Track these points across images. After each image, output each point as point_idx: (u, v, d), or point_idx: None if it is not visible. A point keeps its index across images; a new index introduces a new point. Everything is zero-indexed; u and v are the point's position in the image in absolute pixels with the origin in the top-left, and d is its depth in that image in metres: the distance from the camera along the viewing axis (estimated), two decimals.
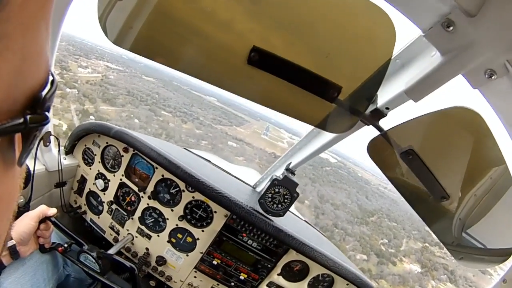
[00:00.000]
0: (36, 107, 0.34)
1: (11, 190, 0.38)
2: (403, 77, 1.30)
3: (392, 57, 1.34)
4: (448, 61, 1.08)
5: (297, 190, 1.87)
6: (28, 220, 1.55)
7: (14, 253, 1.50)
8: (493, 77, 1.05)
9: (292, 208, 3.10)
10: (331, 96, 1.33)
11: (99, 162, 2.09)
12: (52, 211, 1.66)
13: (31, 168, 1.83)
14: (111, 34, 1.27)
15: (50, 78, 0.37)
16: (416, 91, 1.21)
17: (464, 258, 1.74)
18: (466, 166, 1.45)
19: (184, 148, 2.62)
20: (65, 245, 1.78)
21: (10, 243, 1.48)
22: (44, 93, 0.36)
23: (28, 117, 0.32)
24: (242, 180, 2.51)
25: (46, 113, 0.36)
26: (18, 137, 0.34)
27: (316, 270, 2.07)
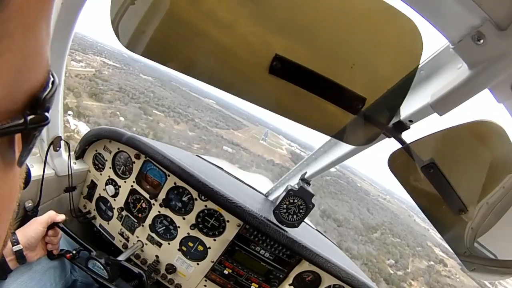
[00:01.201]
0: (36, 107, 0.34)
1: (11, 190, 0.38)
2: (427, 89, 1.29)
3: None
4: (476, 75, 1.07)
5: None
6: (36, 225, 1.55)
7: (21, 257, 1.49)
8: None
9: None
10: (355, 108, 1.31)
11: (110, 168, 2.07)
12: (61, 217, 1.66)
13: (40, 173, 1.82)
14: (123, 38, 1.25)
15: (51, 78, 0.37)
16: (442, 105, 1.19)
17: (476, 269, 1.72)
18: (484, 178, 1.45)
19: (196, 155, 2.60)
20: (74, 252, 1.76)
21: (17, 248, 1.46)
22: (44, 93, 0.36)
23: (28, 117, 0.32)
24: (255, 188, 2.49)
25: (46, 113, 0.36)
26: (18, 137, 0.35)
27: (328, 281, 2.04)
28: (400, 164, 1.48)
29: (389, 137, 1.44)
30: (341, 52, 1.26)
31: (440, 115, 1.24)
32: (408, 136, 1.42)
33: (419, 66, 1.33)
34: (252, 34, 1.25)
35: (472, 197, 1.49)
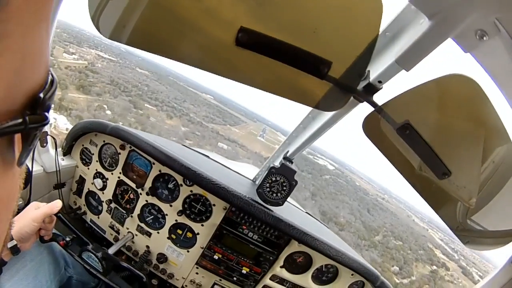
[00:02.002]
0: (35, 107, 0.34)
1: (11, 191, 0.38)
2: (394, 49, 1.28)
3: (381, 31, 1.33)
4: (436, 25, 1.06)
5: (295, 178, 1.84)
6: (31, 221, 1.50)
7: (15, 251, 1.46)
8: (484, 38, 1.02)
9: (293, 201, 3.06)
10: (322, 72, 1.31)
11: (97, 161, 2.08)
12: (58, 205, 1.59)
13: (31, 177, 1.83)
14: (104, 30, 1.28)
15: (50, 78, 0.37)
16: (407, 60, 1.19)
17: (470, 241, 1.70)
18: (466, 138, 1.42)
19: (183, 145, 2.60)
20: (67, 239, 1.77)
21: (11, 244, 1.43)
22: (43, 93, 0.36)
23: (27, 117, 0.32)
24: (242, 174, 2.48)
25: (46, 113, 0.36)
26: (17, 137, 0.34)
27: (319, 261, 2.02)
28: (375, 128, 1.47)
29: (361, 101, 1.43)
30: (302, 18, 1.26)
31: (407, 71, 1.23)
32: (383, 99, 1.41)
33: (384, 28, 1.32)
34: (216, 10, 1.26)
35: (454, 158, 1.47)
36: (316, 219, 2.95)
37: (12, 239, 1.42)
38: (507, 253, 1.65)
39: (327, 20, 1.24)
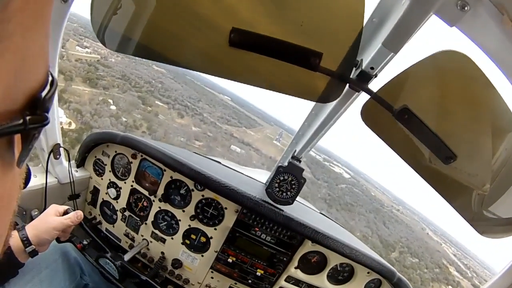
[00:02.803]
0: (35, 107, 0.34)
1: (11, 191, 0.38)
2: (381, 34, 1.30)
3: (368, 18, 1.36)
4: (416, 2, 1.07)
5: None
6: (52, 230, 1.51)
7: (33, 254, 1.45)
8: (466, 8, 1.01)
9: (306, 202, 3.03)
10: (314, 64, 1.33)
11: (110, 171, 2.17)
12: (80, 215, 1.61)
13: (43, 181, 1.93)
14: (110, 44, 1.39)
15: (50, 78, 0.38)
16: (393, 41, 1.20)
17: (486, 231, 1.64)
18: (466, 117, 1.39)
19: (194, 152, 2.66)
20: (84, 242, 1.83)
21: (30, 249, 1.43)
22: (43, 93, 0.36)
23: (27, 118, 0.33)
24: (253, 178, 2.50)
25: (46, 114, 0.36)
26: (17, 138, 0.35)
27: (334, 260, 1.99)
28: (374, 116, 1.47)
29: (357, 90, 1.45)
30: (288, 13, 1.31)
31: (395, 53, 1.25)
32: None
33: (370, 15, 1.35)
34: (207, 14, 1.34)
35: (457, 139, 1.44)
36: (330, 219, 2.90)
37: (30, 244, 1.43)
38: None
39: (312, 12, 1.28)
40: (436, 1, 1.03)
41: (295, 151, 2.04)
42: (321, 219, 2.64)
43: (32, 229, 1.47)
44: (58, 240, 1.65)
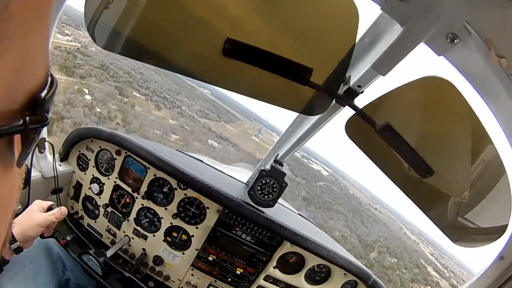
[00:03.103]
0: (35, 108, 0.34)
1: (10, 191, 0.38)
2: (371, 55, 1.34)
3: (359, 38, 1.39)
4: (408, 30, 1.11)
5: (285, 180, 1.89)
6: (36, 226, 1.52)
7: (18, 250, 1.46)
8: (455, 41, 1.06)
9: (285, 203, 3.11)
10: (304, 79, 1.37)
11: (93, 166, 2.14)
12: (64, 212, 1.61)
13: (30, 177, 1.89)
14: (100, 40, 1.36)
15: (50, 78, 0.38)
16: (382, 65, 1.24)
17: (460, 239, 1.74)
18: (445, 137, 1.47)
19: (177, 150, 2.66)
20: (68, 238, 1.82)
21: (15, 245, 1.44)
22: (43, 94, 0.36)
23: (27, 118, 0.32)
24: (235, 177, 2.54)
25: (46, 114, 0.36)
26: (17, 138, 0.35)
27: (312, 261, 2.07)
28: (357, 131, 1.53)
29: (343, 105, 1.49)
30: (283, 28, 1.34)
31: (383, 75, 1.29)
32: (364, 103, 1.46)
33: (362, 35, 1.38)
34: (204, 22, 1.33)
35: (435, 155, 1.51)
36: (309, 220, 2.99)
37: (15, 240, 1.43)
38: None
39: (307, 30, 1.31)
40: (427, 31, 1.08)
41: (278, 155, 2.08)
42: (300, 221, 2.71)
43: (16, 226, 1.47)
44: (42, 235, 1.64)
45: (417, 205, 1.67)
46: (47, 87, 0.37)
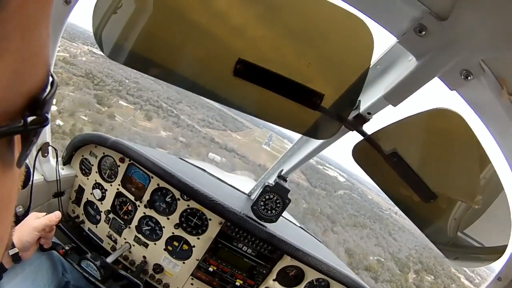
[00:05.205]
0: (35, 108, 0.34)
1: (11, 191, 0.38)
2: (383, 82, 1.34)
3: (372, 64, 1.38)
4: (423, 65, 1.11)
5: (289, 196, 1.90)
6: (32, 230, 1.55)
7: (16, 259, 1.50)
8: (469, 78, 1.07)
9: (288, 215, 3.12)
10: (314, 104, 1.37)
11: (96, 172, 2.14)
12: (57, 216, 1.65)
13: (30, 178, 1.89)
14: (106, 48, 1.35)
15: (50, 79, 0.38)
16: (394, 96, 1.24)
17: (459, 258, 1.75)
18: (452, 166, 1.48)
19: (180, 158, 2.66)
20: (66, 248, 1.83)
21: (13, 251, 1.47)
22: (43, 94, 0.36)
23: (27, 118, 0.32)
24: (237, 188, 2.54)
25: (46, 114, 0.36)
26: (17, 138, 0.35)
27: (311, 275, 2.08)
28: (364, 155, 1.53)
29: (352, 130, 1.49)
30: (297, 52, 1.33)
31: (394, 106, 1.28)
32: (373, 128, 1.46)
33: (375, 62, 1.38)
34: (216, 40, 1.32)
35: (439, 183, 1.53)
36: (310, 234, 3.01)
37: (14, 246, 1.47)
38: None
39: (320, 55, 1.31)
40: (442, 66, 1.08)
41: (282, 170, 2.09)
42: (302, 235, 2.73)
43: (15, 233, 1.49)
44: (42, 248, 1.68)
45: (414, 223, 1.69)
46: (47, 88, 0.37)
